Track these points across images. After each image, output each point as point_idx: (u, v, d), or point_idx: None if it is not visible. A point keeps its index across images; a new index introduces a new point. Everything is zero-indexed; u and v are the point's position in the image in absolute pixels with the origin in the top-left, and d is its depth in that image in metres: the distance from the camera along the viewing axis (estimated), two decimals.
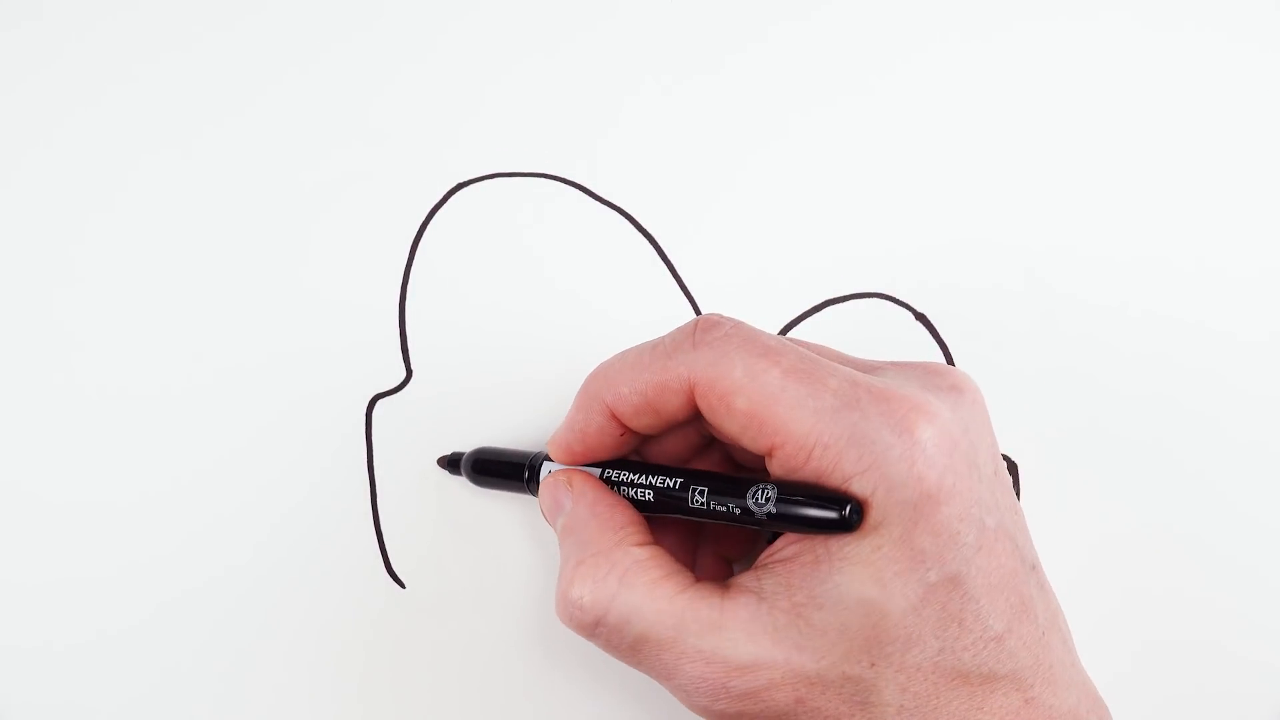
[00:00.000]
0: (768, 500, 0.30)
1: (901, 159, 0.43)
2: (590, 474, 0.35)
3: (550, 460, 0.36)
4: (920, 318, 0.42)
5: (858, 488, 0.29)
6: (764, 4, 0.43)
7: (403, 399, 0.41)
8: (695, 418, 0.33)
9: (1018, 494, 0.41)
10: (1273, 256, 0.42)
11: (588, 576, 0.32)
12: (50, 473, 0.40)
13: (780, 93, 0.43)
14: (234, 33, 0.42)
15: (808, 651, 0.30)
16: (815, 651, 0.30)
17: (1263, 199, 0.43)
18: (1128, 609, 0.41)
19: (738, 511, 0.31)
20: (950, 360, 0.42)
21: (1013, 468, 0.42)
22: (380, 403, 0.41)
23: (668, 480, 0.33)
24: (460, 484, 0.40)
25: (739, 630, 0.30)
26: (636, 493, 0.34)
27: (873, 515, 0.29)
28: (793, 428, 0.30)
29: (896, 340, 0.42)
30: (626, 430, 0.34)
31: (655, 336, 0.33)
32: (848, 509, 0.29)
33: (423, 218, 0.42)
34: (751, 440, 0.31)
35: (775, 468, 0.31)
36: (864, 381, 0.30)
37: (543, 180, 0.42)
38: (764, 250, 0.42)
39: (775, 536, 0.32)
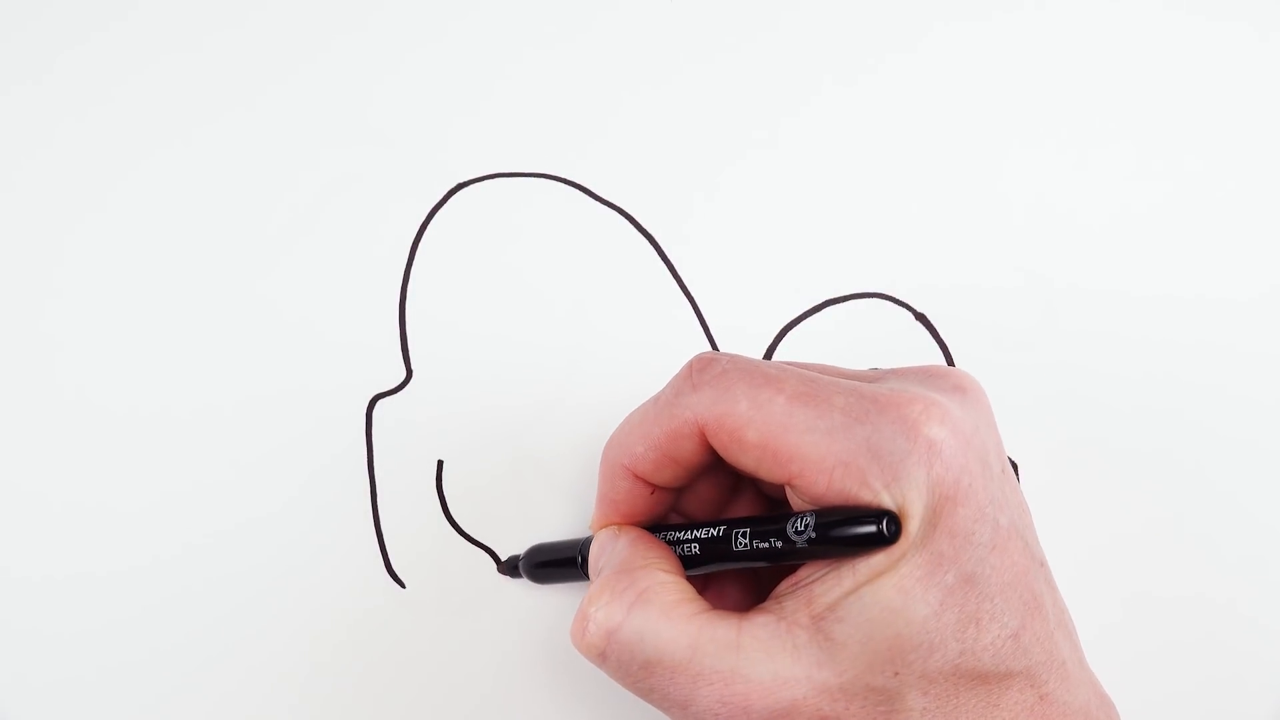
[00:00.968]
0: (806, 527, 0.30)
1: (902, 159, 0.43)
2: (639, 527, 0.35)
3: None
4: (920, 318, 0.42)
5: (888, 500, 0.29)
6: (764, 2, 0.43)
7: (403, 399, 0.41)
8: (717, 460, 0.33)
9: None
10: (1276, 256, 0.42)
11: (607, 590, 0.31)
12: (50, 473, 0.40)
13: (780, 92, 0.43)
14: (233, 33, 0.42)
15: (829, 666, 0.29)
16: (838, 665, 0.29)
17: (1267, 195, 0.43)
18: (1130, 608, 0.41)
19: (780, 545, 0.30)
20: (950, 360, 0.42)
21: (1013, 467, 0.42)
22: (380, 403, 0.41)
23: (711, 530, 0.33)
24: (461, 487, 0.40)
25: (758, 649, 0.30)
26: (683, 548, 0.33)
27: (905, 524, 0.29)
28: (807, 452, 0.30)
29: (896, 340, 0.42)
30: (655, 488, 0.34)
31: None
32: (885, 521, 0.29)
33: (423, 218, 0.42)
34: (768, 471, 0.31)
35: (798, 495, 0.31)
36: (869, 393, 0.30)
37: (543, 180, 0.42)
38: (764, 250, 0.42)
39: None
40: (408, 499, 0.40)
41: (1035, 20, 0.43)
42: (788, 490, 0.31)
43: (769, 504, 0.36)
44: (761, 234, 0.42)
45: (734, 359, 0.32)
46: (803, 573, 0.31)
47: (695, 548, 0.33)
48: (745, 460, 0.31)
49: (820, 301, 0.42)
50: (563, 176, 0.42)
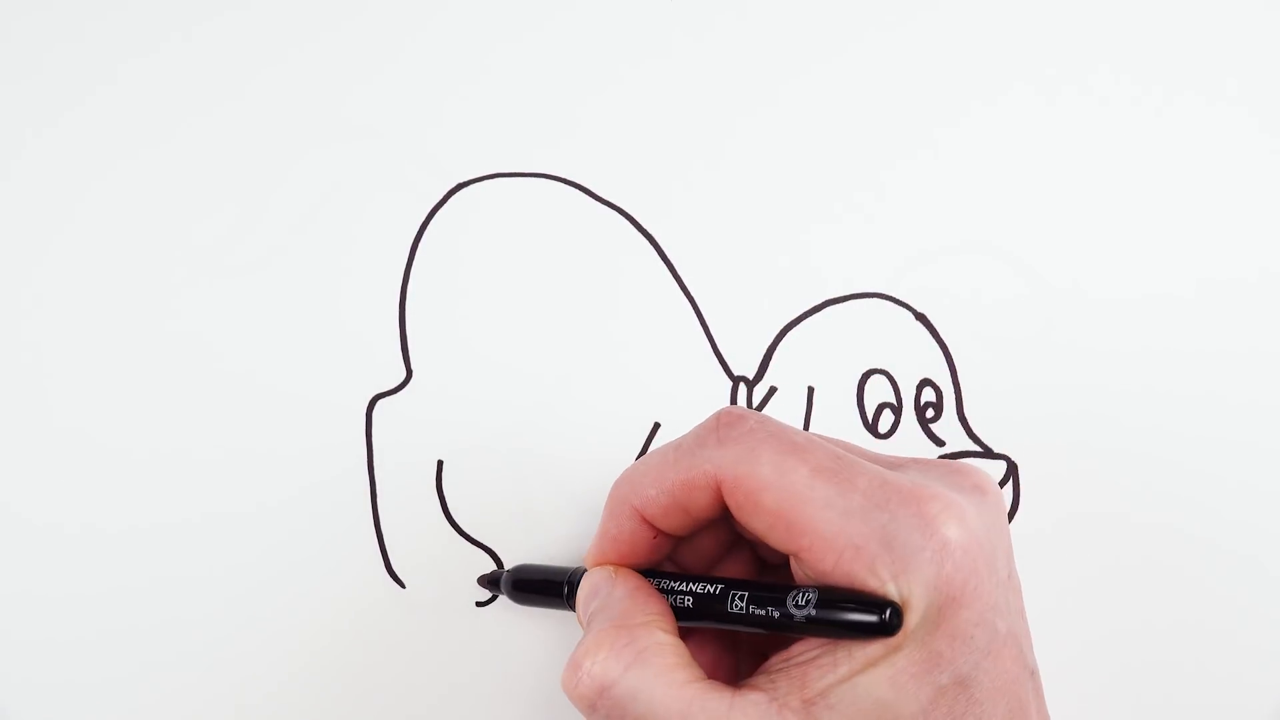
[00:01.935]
0: (808, 603, 0.30)
1: (902, 159, 0.42)
2: (635, 572, 0.35)
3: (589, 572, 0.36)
4: (920, 318, 0.42)
5: (893, 590, 0.29)
6: (766, 2, 0.43)
7: (403, 399, 0.41)
8: (725, 515, 0.33)
9: (1017, 496, 0.42)
10: (1277, 259, 0.42)
11: (605, 644, 0.31)
12: (51, 474, 0.40)
13: (780, 94, 0.43)
14: (234, 30, 0.42)
15: None
16: None
17: (1267, 196, 0.43)
18: (1128, 609, 0.41)
19: (776, 615, 0.30)
20: (950, 360, 0.42)
21: (1012, 468, 0.42)
22: (380, 403, 0.41)
23: (709, 586, 0.33)
24: (461, 487, 0.40)
25: None
26: (676, 599, 0.33)
27: (906, 618, 0.29)
28: (821, 528, 0.30)
29: (896, 340, 0.42)
30: (659, 533, 0.34)
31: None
32: (888, 612, 0.29)
33: (423, 218, 0.42)
34: (779, 539, 0.31)
35: (802, 568, 0.31)
36: (893, 481, 0.30)
37: (543, 180, 0.42)
38: (764, 250, 0.42)
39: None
40: (408, 499, 0.40)
41: (1041, 22, 0.43)
42: (792, 561, 0.31)
43: (762, 567, 0.36)
44: (762, 234, 0.42)
45: (763, 420, 0.32)
46: (797, 649, 0.31)
47: (689, 601, 0.33)
48: (756, 524, 0.31)
49: (820, 301, 0.42)
50: (563, 176, 0.42)
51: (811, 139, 0.42)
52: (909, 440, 0.42)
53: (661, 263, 0.42)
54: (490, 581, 0.40)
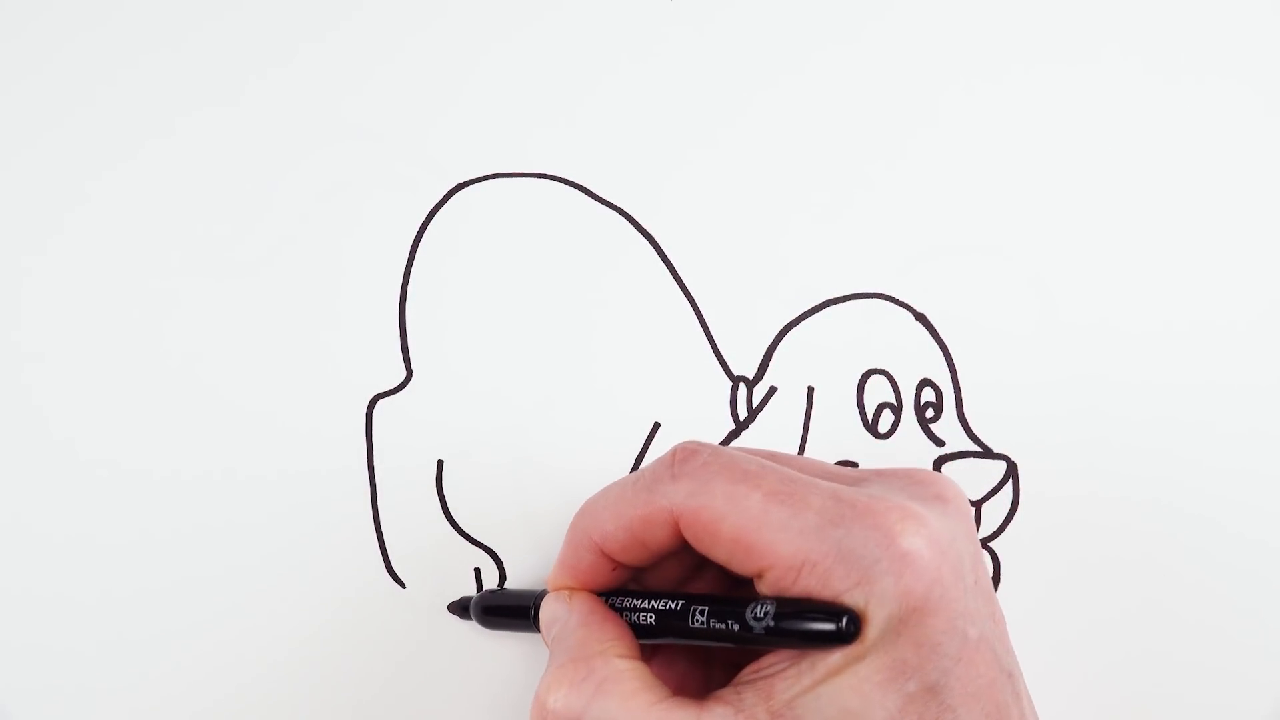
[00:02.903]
0: (766, 614, 0.30)
1: (902, 159, 0.42)
2: (590, 594, 0.35)
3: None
4: (920, 318, 0.42)
5: (849, 601, 0.29)
6: (764, 0, 0.43)
7: (403, 399, 0.41)
8: (686, 545, 0.33)
9: (1017, 496, 0.42)
10: (1277, 259, 0.42)
11: (565, 680, 0.32)
12: (50, 473, 0.40)
13: (780, 93, 0.43)
14: (234, 29, 0.42)
15: None
16: None
17: (1267, 195, 0.43)
18: (1128, 608, 0.41)
19: (736, 628, 0.31)
20: (950, 360, 0.42)
21: (1012, 468, 0.42)
22: (380, 403, 0.41)
23: (669, 603, 0.33)
24: (461, 487, 0.40)
25: None
26: (639, 616, 0.34)
27: (865, 627, 0.29)
28: (779, 549, 0.30)
29: (897, 340, 0.42)
30: (618, 565, 0.34)
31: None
32: (845, 620, 0.29)
33: (423, 218, 0.42)
34: (740, 565, 0.31)
35: (765, 588, 0.31)
36: (848, 496, 0.30)
37: (543, 180, 0.42)
38: (764, 250, 0.42)
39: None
40: (408, 499, 0.41)
41: (1042, 22, 0.43)
42: (756, 584, 0.31)
43: (732, 584, 0.36)
44: (762, 234, 0.42)
45: (716, 452, 0.32)
46: (766, 660, 0.31)
47: (651, 618, 0.33)
48: (718, 553, 0.31)
49: (820, 301, 0.42)
50: (563, 176, 0.42)
51: (811, 138, 0.42)
52: (909, 440, 0.42)
53: (661, 263, 0.42)
54: (460, 609, 0.40)
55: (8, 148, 0.41)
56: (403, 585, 0.40)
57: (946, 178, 0.42)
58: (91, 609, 0.40)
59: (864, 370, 0.42)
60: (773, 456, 0.33)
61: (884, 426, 0.42)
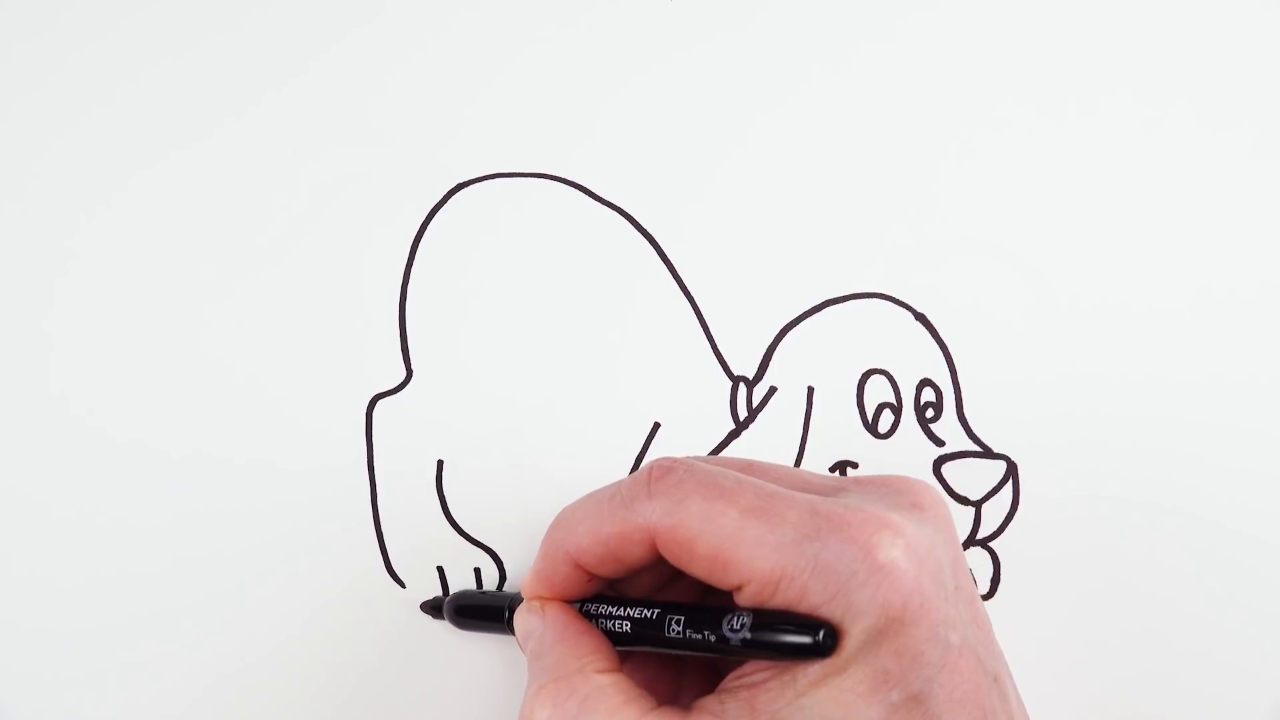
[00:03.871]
0: (742, 626, 0.30)
1: (902, 158, 0.43)
2: (564, 604, 0.35)
3: None
4: (920, 318, 0.42)
5: (826, 614, 0.29)
6: (764, 1, 0.43)
7: (403, 399, 0.41)
8: (662, 559, 0.33)
9: (1017, 496, 0.42)
10: (1276, 259, 0.42)
11: (548, 702, 0.32)
12: (50, 474, 0.40)
13: (781, 93, 0.43)
14: (232, 34, 0.42)
15: None
16: None
17: (1267, 195, 0.43)
18: (1128, 607, 0.41)
19: (713, 639, 0.31)
20: (950, 360, 0.42)
21: (1012, 468, 0.42)
22: (380, 403, 0.41)
23: (645, 611, 0.33)
24: (461, 487, 0.40)
25: None
26: (614, 624, 0.34)
27: (843, 640, 0.29)
28: (756, 565, 0.30)
29: (896, 340, 0.42)
30: (593, 577, 0.34)
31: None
32: (821, 633, 0.29)
33: (423, 218, 0.42)
34: (718, 579, 0.31)
35: (743, 602, 0.31)
36: (824, 509, 0.30)
37: (543, 180, 0.42)
38: (764, 250, 0.42)
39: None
40: (408, 499, 0.41)
41: (1042, 23, 0.43)
42: (734, 595, 0.31)
43: (707, 589, 0.35)
44: (761, 234, 0.42)
45: (691, 469, 0.32)
46: (749, 667, 0.31)
47: (626, 625, 0.33)
48: (695, 569, 0.31)
49: (820, 301, 0.42)
50: (563, 176, 0.42)
51: (811, 138, 0.42)
52: (909, 440, 0.42)
53: (661, 263, 0.42)
54: (434, 609, 0.40)
55: (25, 151, 0.41)
56: (403, 585, 0.40)
57: (947, 178, 0.42)
58: (89, 606, 0.40)
59: (864, 370, 0.42)
60: (750, 467, 0.33)
61: (884, 426, 0.42)
